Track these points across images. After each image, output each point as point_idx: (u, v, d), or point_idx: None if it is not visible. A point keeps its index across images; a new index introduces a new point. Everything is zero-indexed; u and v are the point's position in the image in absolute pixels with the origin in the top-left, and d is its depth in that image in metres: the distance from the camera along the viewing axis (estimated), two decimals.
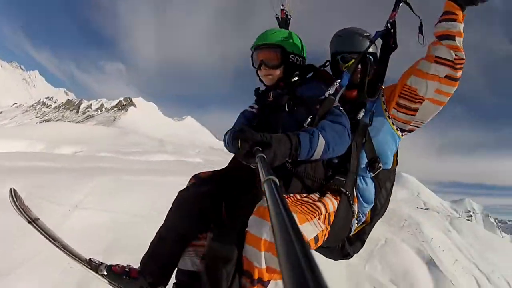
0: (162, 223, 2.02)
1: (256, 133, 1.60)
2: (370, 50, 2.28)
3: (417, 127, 2.21)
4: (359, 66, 2.26)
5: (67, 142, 15.35)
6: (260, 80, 2.31)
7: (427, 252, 10.12)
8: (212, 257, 1.63)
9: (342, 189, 1.91)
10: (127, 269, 2.00)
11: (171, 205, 1.98)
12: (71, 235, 4.85)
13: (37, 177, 5.97)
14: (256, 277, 1.51)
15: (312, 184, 1.89)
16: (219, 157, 21.24)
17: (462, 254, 12.85)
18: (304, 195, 1.84)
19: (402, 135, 2.24)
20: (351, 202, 1.96)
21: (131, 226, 5.20)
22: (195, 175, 2.14)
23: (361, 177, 2.14)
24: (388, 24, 2.21)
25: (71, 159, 8.32)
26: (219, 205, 1.90)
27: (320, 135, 1.74)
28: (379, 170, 2.17)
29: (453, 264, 10.79)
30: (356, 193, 2.10)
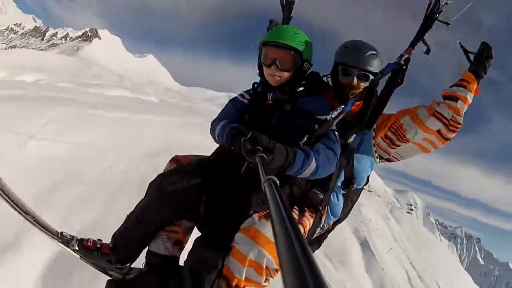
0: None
1: (265, 138, 1.66)
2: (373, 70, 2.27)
3: (396, 159, 2.37)
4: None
5: (29, 70, 14.34)
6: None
7: (363, 234, 10.66)
8: (198, 261, 1.75)
9: (319, 206, 2.04)
10: (98, 245, 2.06)
11: (150, 188, 2.01)
12: (27, 165, 4.83)
13: None
14: (233, 284, 1.67)
15: (297, 192, 2.03)
16: (174, 99, 21.21)
17: (398, 244, 13.33)
18: None
19: (379, 162, 2.36)
20: (322, 217, 2.11)
21: (90, 159, 5.22)
22: (175, 159, 2.13)
23: (335, 193, 2.24)
24: (402, 60, 2.16)
25: (31, 86, 7.86)
26: (199, 197, 1.97)
27: (314, 159, 1.79)
28: (352, 189, 2.30)
29: (387, 252, 11.31)
30: (327, 207, 2.19)
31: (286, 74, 2.06)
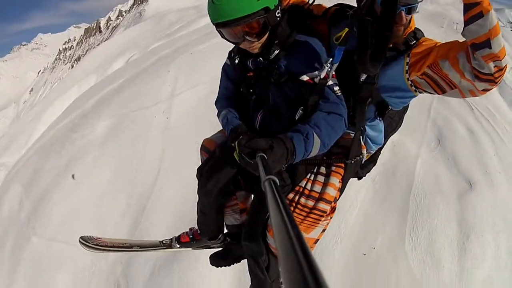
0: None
1: (261, 141, 1.59)
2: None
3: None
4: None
5: (113, 58, 15.57)
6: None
7: None
8: (250, 255, 2.15)
9: (346, 162, 1.98)
10: (190, 236, 2.64)
11: (198, 184, 2.24)
12: (181, 120, 5.31)
13: (120, 98, 6.32)
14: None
15: (315, 161, 1.97)
16: None
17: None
18: (305, 203, 1.97)
19: (416, 93, 1.88)
20: (358, 158, 2.03)
21: None
22: (204, 147, 2.28)
23: (370, 126, 2.04)
24: None
25: (137, 64, 8.43)
26: (236, 177, 2.12)
27: (314, 135, 1.67)
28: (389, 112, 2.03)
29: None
30: (365, 140, 2.06)
31: (264, 37, 1.77)
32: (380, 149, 2.32)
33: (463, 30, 1.54)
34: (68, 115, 7.48)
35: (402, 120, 2.28)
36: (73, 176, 5.64)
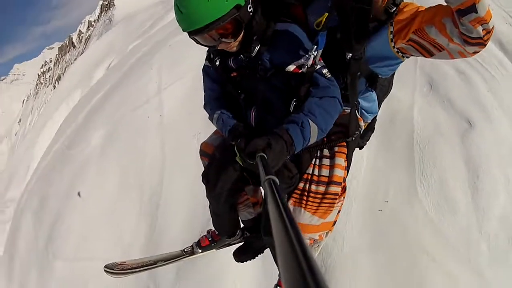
0: None
1: (260, 140, 1.58)
2: None
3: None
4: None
5: (95, 66, 15.35)
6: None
7: None
8: (271, 247, 2.17)
9: (347, 141, 2.01)
10: (210, 238, 2.64)
11: (205, 189, 2.22)
12: (171, 116, 5.27)
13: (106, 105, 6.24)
14: None
15: (317, 145, 1.97)
16: None
17: None
18: (316, 190, 1.99)
19: (403, 58, 1.86)
20: (358, 132, 2.05)
21: None
22: (203, 152, 2.24)
23: (363, 98, 2.04)
24: None
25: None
26: (241, 175, 2.08)
27: (310, 122, 1.66)
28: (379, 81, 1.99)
29: None
30: (360, 112, 2.07)
31: (240, 36, 1.69)
32: (376, 116, 2.32)
33: None
34: (62, 134, 7.42)
35: (392, 82, 2.26)
36: (79, 193, 5.64)
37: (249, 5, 1.65)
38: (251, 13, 1.66)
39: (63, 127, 8.38)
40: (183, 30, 1.63)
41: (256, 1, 1.73)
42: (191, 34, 1.61)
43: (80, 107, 8.24)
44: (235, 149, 1.69)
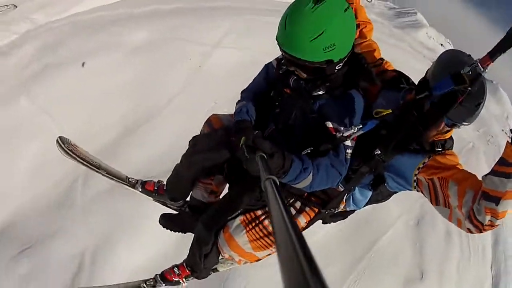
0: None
1: (267, 144, 1.58)
2: None
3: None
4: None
5: None
6: None
7: None
8: (198, 238, 2.26)
9: (320, 210, 2.12)
10: (156, 187, 2.65)
11: (187, 148, 2.23)
12: (213, 73, 5.36)
13: (170, 20, 6.19)
14: (224, 254, 2.25)
15: (298, 194, 2.07)
16: None
17: None
18: (267, 226, 2.10)
19: (414, 189, 1.91)
20: (333, 210, 2.16)
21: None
22: (209, 122, 2.28)
23: (359, 189, 2.08)
24: (470, 72, 1.58)
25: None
26: (223, 164, 2.14)
27: (311, 174, 1.71)
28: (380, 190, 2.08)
29: None
30: (348, 197, 2.12)
31: (312, 77, 1.78)
32: (356, 210, 2.38)
33: (486, 175, 1.59)
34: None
35: (389, 198, 2.31)
36: (83, 64, 5.38)
37: (340, 64, 1.73)
38: (335, 70, 1.74)
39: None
40: (276, 39, 1.70)
41: (349, 61, 1.80)
42: (280, 45, 1.70)
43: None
44: (243, 134, 1.73)
